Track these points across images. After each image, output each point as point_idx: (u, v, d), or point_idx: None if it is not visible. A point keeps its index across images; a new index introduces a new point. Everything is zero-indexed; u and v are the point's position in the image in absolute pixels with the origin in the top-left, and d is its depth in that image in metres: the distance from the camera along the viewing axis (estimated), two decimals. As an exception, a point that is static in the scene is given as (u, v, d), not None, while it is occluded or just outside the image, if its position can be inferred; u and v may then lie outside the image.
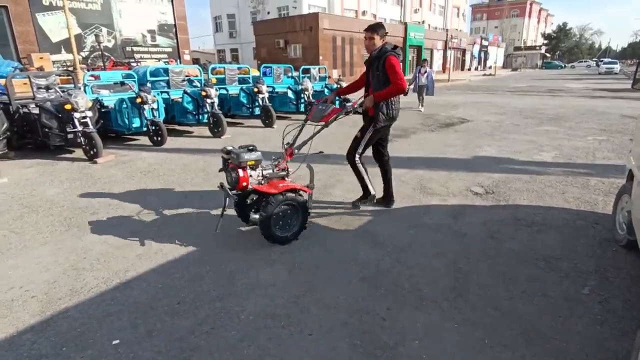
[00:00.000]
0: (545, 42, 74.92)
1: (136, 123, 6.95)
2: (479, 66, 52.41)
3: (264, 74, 11.28)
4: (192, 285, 2.65)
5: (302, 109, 9.91)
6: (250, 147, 3.13)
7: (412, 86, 11.18)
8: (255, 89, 8.59)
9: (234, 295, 2.53)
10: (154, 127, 6.86)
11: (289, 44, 26.50)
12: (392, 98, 3.50)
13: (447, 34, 40.35)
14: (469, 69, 48.48)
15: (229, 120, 8.52)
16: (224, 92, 8.93)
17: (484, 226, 3.52)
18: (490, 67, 50.23)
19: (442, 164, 5.62)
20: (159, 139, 6.91)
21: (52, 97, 6.50)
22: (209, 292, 2.57)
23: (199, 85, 8.70)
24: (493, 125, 9.05)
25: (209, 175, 5.17)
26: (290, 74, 11.39)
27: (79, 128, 5.90)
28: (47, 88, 6.41)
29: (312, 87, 9.69)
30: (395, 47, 3.51)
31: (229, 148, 3.17)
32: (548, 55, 71.21)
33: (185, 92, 7.71)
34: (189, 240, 3.29)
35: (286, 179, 3.26)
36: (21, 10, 14.60)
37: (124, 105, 6.84)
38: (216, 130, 7.59)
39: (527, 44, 70.40)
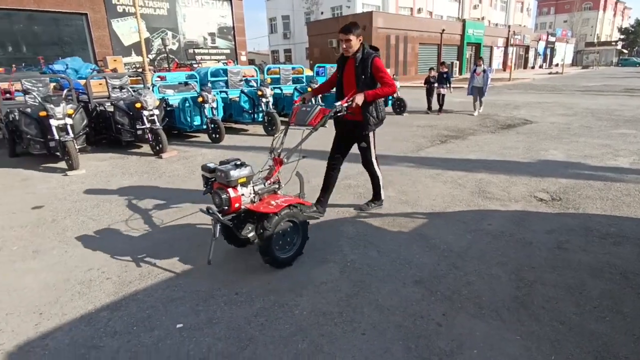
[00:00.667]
0: (622, 37, 68.29)
1: (197, 121, 7.34)
2: (544, 64, 48.97)
3: (317, 73, 11.41)
4: (249, 277, 2.74)
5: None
6: (238, 162, 2.76)
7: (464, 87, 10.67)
8: (309, 88, 8.70)
9: (287, 290, 2.58)
10: (213, 125, 7.20)
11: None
12: (379, 100, 3.40)
13: (508, 31, 38.18)
14: (533, 67, 45.48)
15: (282, 118, 8.72)
16: (278, 91, 9.15)
17: (551, 235, 3.29)
18: (557, 65, 46.74)
19: (503, 168, 5.34)
20: (217, 136, 7.24)
21: (124, 97, 7.06)
22: (264, 285, 2.65)
23: (255, 85, 9.00)
24: (560, 127, 8.42)
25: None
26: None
27: (147, 125, 6.35)
28: (121, 88, 6.97)
29: None
30: (376, 48, 3.42)
31: (212, 165, 2.82)
32: (625, 51, 64.88)
33: (242, 91, 8.00)
34: (246, 234, 3.41)
35: (279, 192, 2.97)
36: (99, 17, 16.00)
37: (187, 104, 7.25)
38: (270, 128, 7.80)
39: (601, 39, 64.64)
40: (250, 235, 3.08)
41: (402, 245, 3.16)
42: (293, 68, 10.65)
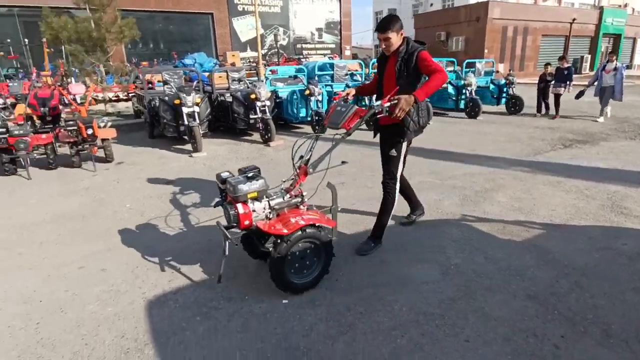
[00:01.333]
0: None
1: (302, 113, 7.70)
2: None
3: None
4: (348, 267, 2.82)
5: (461, 105, 9.35)
6: (251, 174, 2.48)
7: (588, 87, 8.70)
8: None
9: (386, 284, 2.59)
10: (317, 117, 7.48)
11: (450, 36, 25.14)
12: (420, 104, 2.83)
13: (660, 18, 31.89)
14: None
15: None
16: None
17: None
18: None
19: (644, 180, 4.54)
20: (320, 128, 7.51)
21: (240, 88, 7.73)
22: (363, 277, 2.69)
23: (360, 79, 9.06)
24: None
25: (364, 167, 5.37)
26: (452, 68, 10.83)
27: (259, 115, 6.87)
28: (239, 80, 7.65)
29: (476, 82, 9.01)
30: (422, 42, 2.90)
31: (224, 175, 2.56)
32: None
33: (347, 85, 8.13)
34: (345, 225, 3.50)
35: (301, 206, 2.58)
36: (222, 16, 17.71)
37: (295, 97, 7.65)
38: (372, 122, 7.78)
39: None
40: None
41: (513, 254, 2.92)
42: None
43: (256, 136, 7.46)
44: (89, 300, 2.50)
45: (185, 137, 7.05)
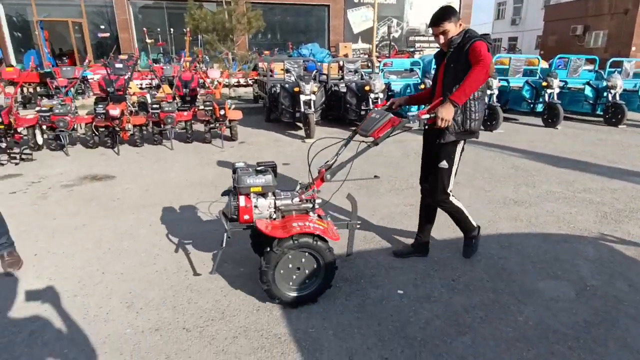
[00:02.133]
0: None
1: (414, 108, 7.52)
2: None
3: (557, 66, 9.85)
4: (466, 267, 2.74)
5: (599, 110, 8.17)
6: (261, 167, 2.36)
7: None
8: (544, 83, 7.64)
9: (509, 293, 2.45)
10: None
11: (588, 30, 21.93)
12: (471, 103, 2.43)
13: None
14: None
15: (505, 115, 7.99)
16: (504, 83, 8.40)
17: None
18: None
19: None
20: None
21: (355, 79, 7.86)
22: (483, 281, 2.59)
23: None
24: None
25: (519, 172, 5.07)
26: (592, 67, 9.51)
27: (372, 107, 6.92)
28: (355, 71, 7.79)
29: (622, 84, 7.77)
30: (485, 34, 2.43)
31: (237, 165, 2.44)
32: None
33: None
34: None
35: (311, 213, 2.38)
36: (338, 7, 18.07)
37: (408, 91, 7.52)
38: (490, 123, 7.28)
39: None
40: None
41: (669, 287, 2.51)
42: (526, 58, 9.50)
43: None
44: (225, 259, 2.85)
45: (299, 124, 7.47)
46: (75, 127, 5.94)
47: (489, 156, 5.63)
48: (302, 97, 6.62)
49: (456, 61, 2.37)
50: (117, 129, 5.77)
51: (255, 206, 2.32)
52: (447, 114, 2.23)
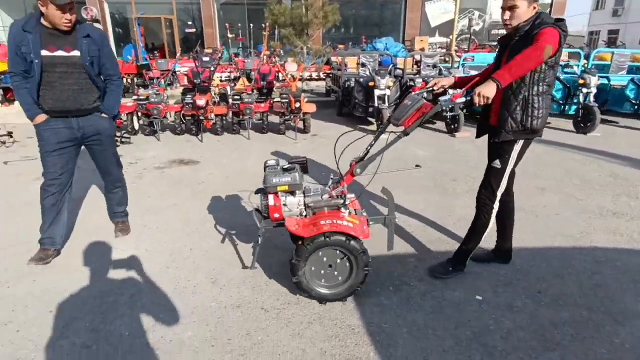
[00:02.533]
0: None
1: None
2: None
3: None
4: (554, 279, 2.54)
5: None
6: (289, 166, 2.31)
7: None
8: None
9: (605, 313, 2.22)
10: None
11: None
12: (533, 97, 2.13)
13: None
14: None
15: (603, 116, 7.17)
16: (604, 81, 7.53)
17: None
18: None
19: None
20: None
21: (432, 74, 7.58)
22: (573, 296, 2.38)
23: (576, 71, 7.73)
24: None
25: (618, 180, 4.62)
26: None
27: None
28: (433, 66, 7.51)
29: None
30: (559, 19, 2.08)
31: (269, 163, 2.43)
32: None
33: (558, 79, 7.05)
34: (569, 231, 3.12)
35: (342, 209, 2.28)
36: (415, 0, 17.49)
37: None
38: (583, 125, 6.60)
39: None
40: None
41: None
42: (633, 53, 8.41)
43: (440, 125, 7.26)
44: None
45: (371, 118, 7.40)
46: (166, 115, 6.50)
47: (581, 161, 5.11)
48: (377, 92, 6.54)
49: (519, 50, 2.01)
50: (202, 117, 6.20)
51: (284, 204, 2.31)
52: (486, 90, 1.92)
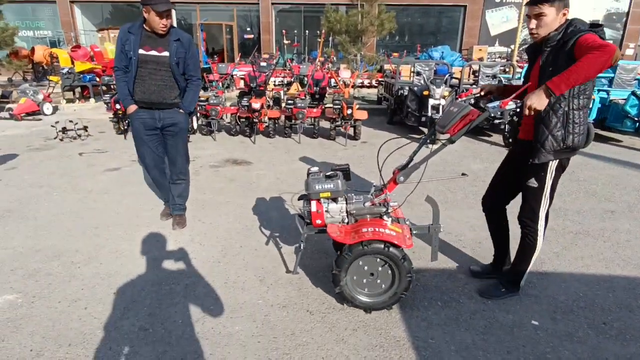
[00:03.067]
0: None
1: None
2: None
3: None
4: (622, 312, 2.32)
5: None
6: (331, 173, 2.34)
7: None
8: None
9: (683, 354, 2.00)
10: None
11: None
12: (574, 112, 1.96)
13: None
14: None
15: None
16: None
17: None
18: None
19: None
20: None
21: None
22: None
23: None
24: None
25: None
26: None
27: (508, 117, 6.33)
28: (493, 76, 7.23)
29: None
30: (597, 25, 1.87)
31: (311, 170, 2.47)
32: None
33: (633, 93, 6.50)
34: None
35: (385, 217, 2.26)
36: (476, 8, 16.95)
37: (554, 100, 6.65)
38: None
39: None
40: None
41: None
42: None
43: (496, 137, 6.95)
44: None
45: (422, 128, 7.26)
46: (222, 116, 6.80)
47: (658, 184, 4.65)
48: (431, 101, 6.40)
49: (554, 63, 1.90)
50: (256, 120, 6.41)
51: (327, 211, 2.33)
52: (538, 101, 1.80)
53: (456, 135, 2.10)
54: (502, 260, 2.60)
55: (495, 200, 2.50)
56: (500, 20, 16.91)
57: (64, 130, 6.26)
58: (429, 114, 6.45)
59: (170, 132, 3.12)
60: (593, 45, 1.75)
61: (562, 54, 1.88)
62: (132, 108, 2.99)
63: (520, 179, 2.25)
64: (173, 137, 3.14)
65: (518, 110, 1.96)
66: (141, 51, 2.85)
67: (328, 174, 2.35)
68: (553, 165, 2.10)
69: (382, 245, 2.10)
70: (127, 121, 6.45)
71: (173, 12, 2.93)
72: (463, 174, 3.06)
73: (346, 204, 2.36)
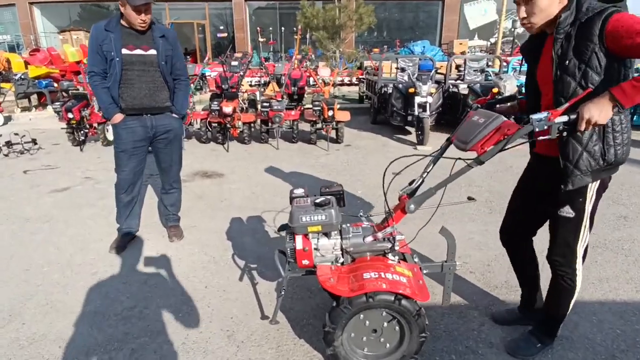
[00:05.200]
0: None
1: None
2: None
3: None
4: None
5: None
6: (322, 200, 1.79)
7: None
8: None
9: None
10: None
11: None
12: (614, 118, 1.45)
13: None
14: None
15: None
16: None
17: None
18: None
19: None
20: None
21: (478, 80, 6.92)
22: None
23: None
24: None
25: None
26: None
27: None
28: (482, 71, 6.85)
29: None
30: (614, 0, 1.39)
31: (295, 192, 1.96)
32: None
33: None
34: None
35: (390, 256, 1.76)
36: (454, 2, 16.69)
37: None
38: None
39: None
40: None
41: None
42: None
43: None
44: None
45: (409, 128, 6.84)
46: (191, 122, 6.19)
47: None
48: (417, 99, 5.96)
49: (576, 53, 1.43)
50: (229, 125, 5.84)
51: (316, 248, 1.81)
52: (599, 113, 1.33)
53: (486, 154, 1.56)
54: (533, 301, 2.07)
55: (518, 231, 1.98)
56: (479, 13, 16.72)
57: (9, 144, 5.53)
58: (416, 112, 6.01)
59: (164, 139, 2.84)
60: (625, 28, 1.31)
61: (583, 40, 1.41)
62: (119, 117, 2.65)
63: (545, 205, 1.75)
64: (168, 144, 2.87)
65: (569, 124, 1.42)
66: (125, 51, 2.54)
67: (318, 200, 1.81)
68: (593, 187, 1.60)
69: (393, 297, 1.59)
70: (83, 131, 5.78)
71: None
72: (470, 198, 2.52)
73: (341, 239, 1.83)
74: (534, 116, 1.43)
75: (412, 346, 1.68)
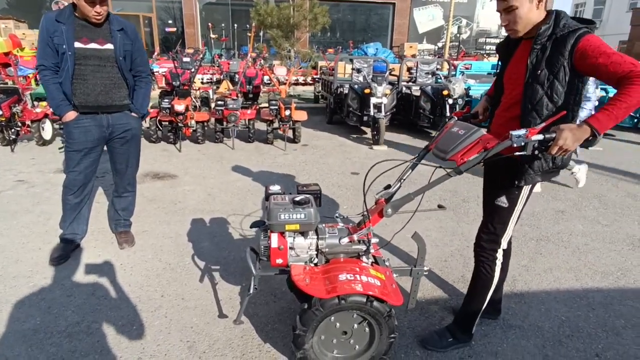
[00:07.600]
0: None
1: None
2: None
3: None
4: (610, 337, 2.09)
5: None
6: (301, 198, 1.81)
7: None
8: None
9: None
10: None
11: (689, 36, 19.27)
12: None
13: None
14: None
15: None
16: (604, 93, 7.30)
17: None
18: None
19: None
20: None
21: (429, 82, 7.19)
22: (638, 357, 1.93)
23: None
24: None
25: (639, 202, 4.25)
26: None
27: (447, 113, 6.24)
28: (433, 74, 7.12)
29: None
30: (590, 21, 1.61)
31: (271, 189, 1.95)
32: None
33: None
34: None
35: (364, 258, 1.80)
36: (404, 6, 17.27)
37: (489, 97, 6.73)
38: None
39: None
40: None
41: None
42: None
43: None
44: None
45: (364, 128, 6.95)
46: (140, 120, 5.85)
47: (594, 179, 4.77)
48: (373, 100, 6.08)
49: (549, 66, 1.55)
50: (181, 124, 5.59)
51: (292, 247, 1.78)
52: (573, 140, 1.42)
53: (466, 164, 1.59)
54: (498, 294, 2.13)
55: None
56: (427, 18, 17.44)
57: None
58: (372, 113, 6.13)
59: (121, 139, 2.67)
60: (624, 66, 1.39)
61: (556, 54, 1.53)
62: (72, 115, 2.46)
63: (486, 195, 1.88)
64: (124, 144, 2.70)
65: (544, 144, 1.48)
66: (78, 44, 2.37)
67: (298, 199, 1.79)
68: (522, 189, 1.75)
69: (365, 299, 1.59)
70: (14, 130, 5.25)
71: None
72: (440, 207, 2.54)
73: (317, 239, 1.80)
74: (514, 132, 1.49)
75: (382, 347, 1.70)
